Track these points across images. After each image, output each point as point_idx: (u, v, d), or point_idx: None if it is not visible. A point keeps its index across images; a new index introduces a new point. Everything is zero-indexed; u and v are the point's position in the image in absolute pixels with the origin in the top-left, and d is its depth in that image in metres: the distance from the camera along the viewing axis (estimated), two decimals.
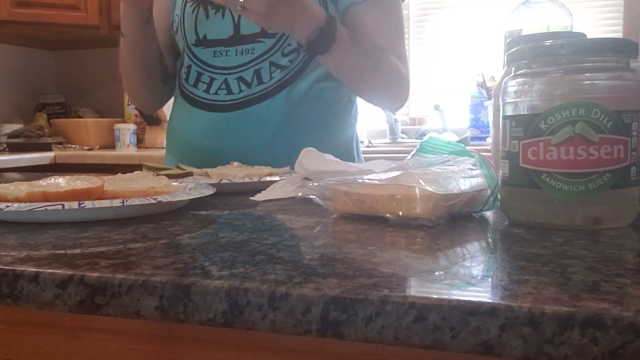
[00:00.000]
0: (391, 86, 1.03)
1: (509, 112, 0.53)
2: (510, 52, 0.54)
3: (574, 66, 0.50)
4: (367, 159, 1.29)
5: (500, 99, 0.55)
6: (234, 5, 0.81)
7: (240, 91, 1.00)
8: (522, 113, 0.51)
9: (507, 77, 0.54)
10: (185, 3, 1.05)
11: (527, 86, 0.51)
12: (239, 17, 0.98)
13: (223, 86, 1.01)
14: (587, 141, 0.49)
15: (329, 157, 0.70)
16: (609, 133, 0.49)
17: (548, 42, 0.51)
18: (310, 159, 0.69)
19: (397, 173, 0.59)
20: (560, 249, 0.43)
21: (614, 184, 0.49)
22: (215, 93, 1.01)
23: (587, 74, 0.49)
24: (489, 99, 1.84)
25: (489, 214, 0.60)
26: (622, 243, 0.46)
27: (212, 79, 1.02)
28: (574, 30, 0.77)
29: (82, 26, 2.60)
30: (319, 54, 0.91)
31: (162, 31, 1.08)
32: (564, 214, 0.50)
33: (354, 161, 1.12)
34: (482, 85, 2.20)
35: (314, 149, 0.71)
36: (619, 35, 2.37)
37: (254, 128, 1.00)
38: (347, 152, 1.11)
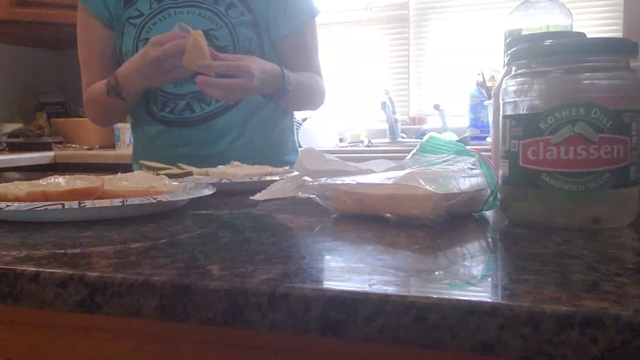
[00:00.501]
0: (316, 100, 1.28)
1: (509, 112, 0.53)
2: (510, 51, 0.54)
3: (574, 66, 0.50)
4: (367, 159, 1.32)
5: (500, 98, 0.55)
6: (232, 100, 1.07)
7: (202, 109, 1.17)
8: (522, 112, 0.51)
9: (507, 77, 0.54)
10: (137, 41, 1.15)
11: (527, 86, 0.51)
12: None
13: (186, 107, 1.17)
14: (586, 141, 0.49)
15: (330, 156, 0.70)
16: (609, 133, 0.48)
17: (548, 42, 0.51)
18: (310, 158, 0.69)
19: (397, 173, 0.59)
20: (559, 249, 0.44)
21: (613, 183, 0.49)
22: (181, 114, 1.18)
23: (587, 74, 0.49)
24: (489, 99, 1.83)
25: (488, 214, 0.60)
26: (621, 243, 0.46)
27: (176, 104, 1.17)
28: (573, 30, 0.77)
29: None
30: (278, 100, 1.14)
31: (105, 55, 1.22)
32: (564, 213, 0.50)
33: (295, 141, 1.36)
34: (482, 84, 2.20)
35: (314, 148, 0.71)
36: (619, 35, 2.37)
37: (218, 137, 1.18)
38: (294, 150, 1.32)
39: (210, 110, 1.17)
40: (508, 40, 0.69)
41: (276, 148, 1.27)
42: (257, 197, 0.72)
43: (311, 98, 1.27)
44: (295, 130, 1.38)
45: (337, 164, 0.69)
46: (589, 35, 0.62)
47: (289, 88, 1.11)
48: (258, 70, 1.02)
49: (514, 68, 0.54)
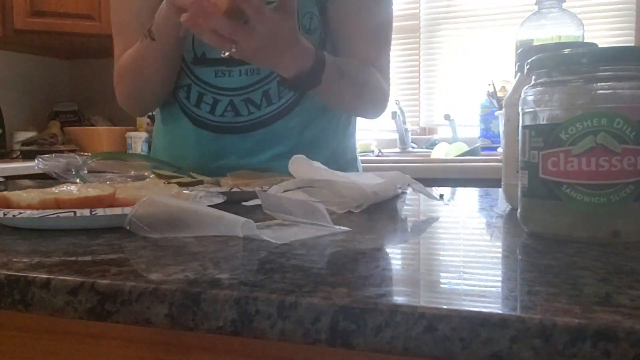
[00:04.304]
0: (372, 105, 1.02)
1: (528, 122, 0.52)
2: (530, 60, 0.52)
3: (596, 75, 0.48)
4: (377, 169, 1.31)
5: (520, 108, 0.53)
6: (228, 48, 0.77)
7: (250, 113, 0.97)
8: (541, 123, 0.50)
9: (526, 86, 0.53)
10: None
11: (547, 95, 0.50)
12: None
13: (229, 108, 0.96)
14: (609, 152, 0.47)
15: (317, 164, 0.70)
16: (632, 143, 0.47)
17: (568, 51, 0.50)
18: (298, 166, 0.69)
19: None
20: (571, 260, 0.43)
21: (637, 195, 0.48)
22: (222, 115, 0.97)
23: (609, 83, 0.47)
24: (500, 109, 1.83)
25: (504, 225, 0.60)
26: (634, 255, 0.45)
27: (215, 100, 0.97)
28: (585, 40, 0.77)
29: (96, 35, 2.62)
30: (299, 92, 0.90)
31: (141, 17, 0.96)
32: (585, 226, 0.49)
33: (358, 169, 1.13)
34: (493, 95, 2.20)
35: (304, 156, 0.70)
36: (632, 45, 2.36)
37: (268, 149, 0.97)
38: (353, 160, 1.10)
39: (261, 115, 0.96)
40: (519, 50, 0.69)
41: (336, 159, 1.01)
42: (249, 203, 0.72)
43: (362, 98, 0.98)
44: (355, 140, 1.14)
45: (325, 172, 0.69)
46: (600, 46, 0.62)
47: (321, 79, 0.84)
48: (277, 22, 0.75)
49: (533, 77, 0.53)
